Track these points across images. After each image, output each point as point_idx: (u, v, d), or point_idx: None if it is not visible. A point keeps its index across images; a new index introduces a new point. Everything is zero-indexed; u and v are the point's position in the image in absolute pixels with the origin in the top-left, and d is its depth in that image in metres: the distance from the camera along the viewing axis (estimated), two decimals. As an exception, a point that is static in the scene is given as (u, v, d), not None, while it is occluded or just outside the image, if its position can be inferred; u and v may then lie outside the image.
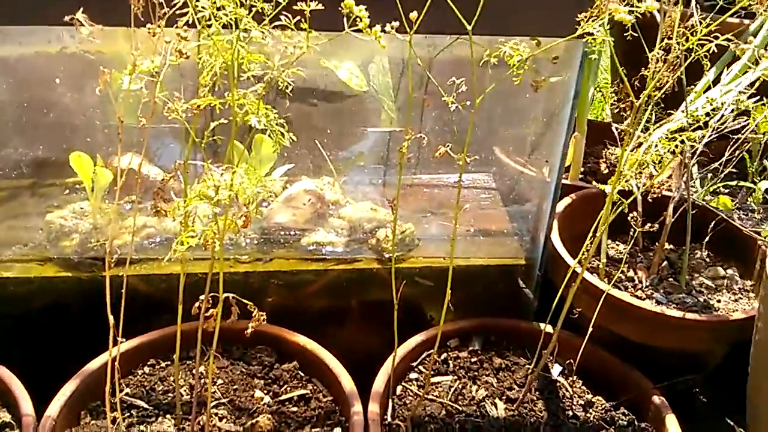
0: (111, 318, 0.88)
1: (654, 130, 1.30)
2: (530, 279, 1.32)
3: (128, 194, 0.99)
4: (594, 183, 1.78)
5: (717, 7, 1.41)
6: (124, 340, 0.90)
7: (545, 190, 1.25)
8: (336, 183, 1.44)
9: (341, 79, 1.42)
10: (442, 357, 1.26)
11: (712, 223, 1.46)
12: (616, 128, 1.74)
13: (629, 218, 1.11)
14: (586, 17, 0.94)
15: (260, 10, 0.81)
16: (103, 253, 1.16)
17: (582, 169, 1.78)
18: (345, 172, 1.51)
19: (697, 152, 1.44)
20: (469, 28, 0.88)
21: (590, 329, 1.14)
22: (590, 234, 1.10)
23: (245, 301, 0.89)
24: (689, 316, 1.19)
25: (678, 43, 0.98)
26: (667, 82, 1.05)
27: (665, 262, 1.45)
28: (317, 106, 1.48)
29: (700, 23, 0.93)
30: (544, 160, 1.39)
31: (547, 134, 1.37)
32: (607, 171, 1.78)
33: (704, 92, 1.36)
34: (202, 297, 0.94)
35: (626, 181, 1.40)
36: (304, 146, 1.47)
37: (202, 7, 0.78)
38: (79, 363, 1.08)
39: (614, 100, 1.90)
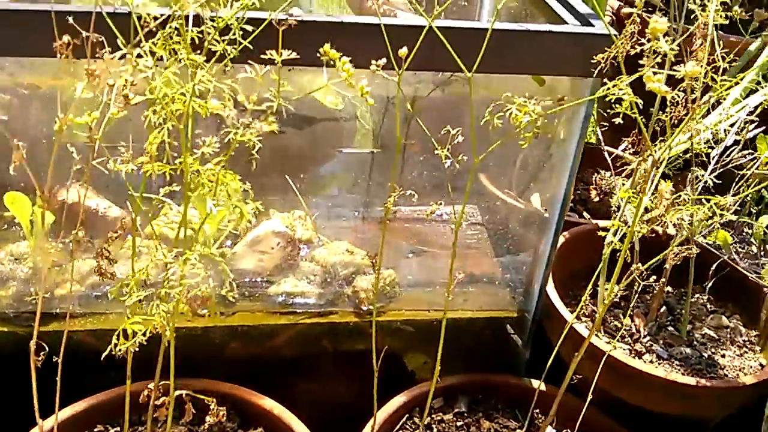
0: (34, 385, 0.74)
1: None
2: (522, 331, 1.20)
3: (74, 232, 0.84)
4: (585, 215, 1.67)
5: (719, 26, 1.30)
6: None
7: (543, 231, 1.13)
8: (308, 218, 1.30)
9: (315, 97, 1.28)
10: (425, 421, 1.14)
11: (714, 266, 1.35)
12: (608, 152, 1.63)
13: (632, 269, 0.99)
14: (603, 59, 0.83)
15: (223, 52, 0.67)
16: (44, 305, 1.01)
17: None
18: (318, 203, 1.38)
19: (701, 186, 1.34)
20: (469, 75, 0.75)
21: (590, 395, 1.03)
22: (585, 282, 0.99)
23: (201, 397, 0.76)
24: (701, 382, 1.09)
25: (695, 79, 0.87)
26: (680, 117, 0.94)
27: (664, 308, 1.35)
28: (284, 133, 1.34)
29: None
30: (540, 197, 1.27)
31: (546, 169, 1.25)
32: (598, 199, 1.67)
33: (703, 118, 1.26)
34: (151, 386, 0.80)
35: (620, 220, 1.29)
36: (273, 176, 1.33)
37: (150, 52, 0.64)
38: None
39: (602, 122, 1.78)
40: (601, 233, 1.11)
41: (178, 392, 0.77)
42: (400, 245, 1.31)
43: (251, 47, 0.66)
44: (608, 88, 0.71)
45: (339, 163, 1.45)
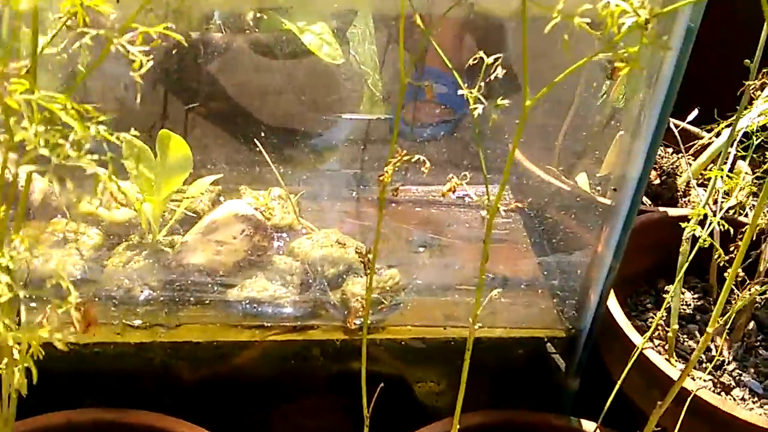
0: None
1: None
2: (569, 355, 0.89)
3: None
4: (645, 200, 1.35)
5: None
6: None
7: (607, 223, 0.81)
8: (290, 198, 0.99)
9: (307, 46, 0.97)
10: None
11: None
12: (675, 126, 1.30)
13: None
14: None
15: None
16: None
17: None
18: (306, 180, 1.07)
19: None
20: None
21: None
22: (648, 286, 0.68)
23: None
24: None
25: None
26: None
27: (752, 323, 1.03)
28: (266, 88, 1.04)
29: None
30: (603, 176, 0.96)
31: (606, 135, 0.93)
32: (659, 181, 1.34)
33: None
34: None
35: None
36: (245, 145, 1.03)
37: None
38: None
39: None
40: (683, 224, 0.80)
41: None
42: (407, 236, 0.99)
43: None
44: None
45: (337, 131, 1.14)
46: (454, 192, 0.58)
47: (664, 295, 1.06)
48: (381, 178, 0.58)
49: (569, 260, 0.96)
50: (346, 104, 1.16)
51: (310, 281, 0.88)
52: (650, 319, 1.02)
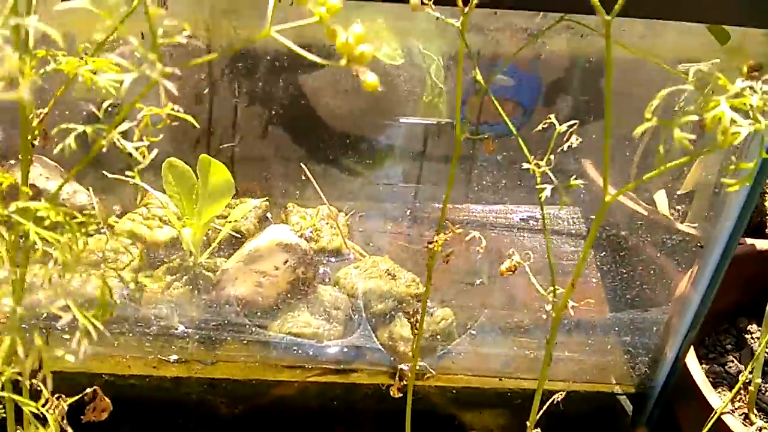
0: None
1: None
2: (640, 413, 0.80)
3: None
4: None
5: None
6: None
7: (694, 261, 0.72)
8: (339, 217, 0.93)
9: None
10: None
11: None
12: None
13: None
14: None
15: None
16: None
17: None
18: (357, 194, 1.00)
19: None
20: (607, 18, 0.35)
21: None
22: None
23: None
24: None
25: None
26: None
27: None
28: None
29: None
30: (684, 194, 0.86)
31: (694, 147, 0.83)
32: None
33: None
34: None
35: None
36: (291, 162, 0.96)
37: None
38: None
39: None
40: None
41: None
42: (463, 265, 0.92)
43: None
44: None
45: (393, 137, 1.06)
46: (514, 272, 0.50)
47: (746, 336, 0.96)
48: (430, 246, 0.51)
49: (645, 302, 0.86)
50: (404, 108, 1.08)
51: (357, 318, 0.82)
52: (729, 364, 0.92)
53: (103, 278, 0.35)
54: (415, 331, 0.56)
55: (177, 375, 0.78)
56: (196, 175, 0.81)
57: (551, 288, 0.47)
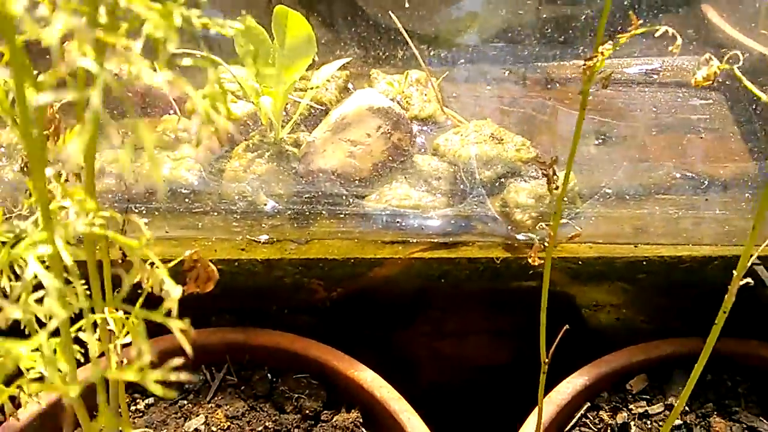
0: None
1: None
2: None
3: None
4: None
5: None
6: None
7: None
8: (431, 80, 0.82)
9: None
10: (618, 415, 0.70)
11: None
12: None
13: None
14: None
15: None
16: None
17: None
18: (449, 57, 0.89)
19: None
20: None
21: None
22: None
23: None
24: None
25: None
26: None
27: None
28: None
29: None
30: None
31: None
32: None
33: None
34: None
35: None
36: (373, 19, 0.85)
37: None
38: None
39: None
40: None
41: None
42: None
43: None
44: None
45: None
46: (713, 81, 0.39)
47: None
48: (587, 64, 0.40)
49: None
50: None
51: (462, 187, 0.72)
52: None
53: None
54: (554, 191, 0.46)
55: (268, 257, 0.71)
56: (271, 37, 0.71)
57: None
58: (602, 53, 0.38)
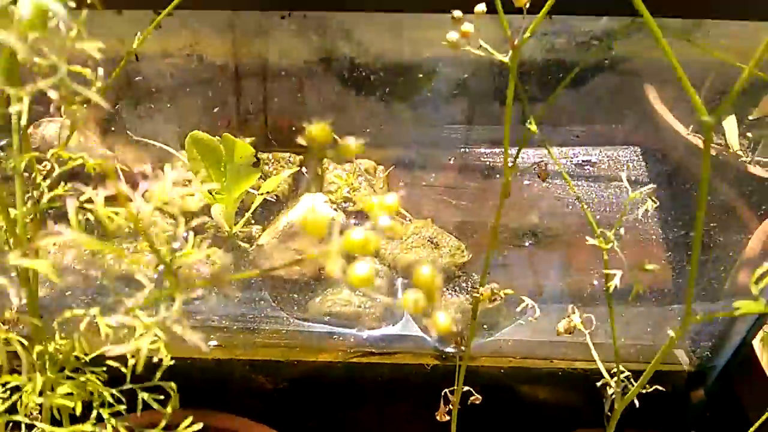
0: None
1: None
2: (699, 386, 0.76)
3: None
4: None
5: None
6: None
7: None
8: (377, 171, 0.87)
9: None
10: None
11: None
12: None
13: None
14: None
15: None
16: None
17: None
18: (398, 139, 0.93)
19: None
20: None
21: None
22: None
23: None
24: None
25: None
26: None
27: None
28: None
29: None
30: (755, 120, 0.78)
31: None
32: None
33: None
34: None
35: None
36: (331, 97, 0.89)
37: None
38: None
39: None
40: None
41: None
42: (510, 222, 0.85)
43: None
44: None
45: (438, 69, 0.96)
46: (572, 333, 0.44)
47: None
48: (476, 295, 0.45)
49: (710, 262, 0.79)
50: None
51: (399, 293, 0.78)
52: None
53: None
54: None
55: (218, 357, 0.77)
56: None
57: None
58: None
